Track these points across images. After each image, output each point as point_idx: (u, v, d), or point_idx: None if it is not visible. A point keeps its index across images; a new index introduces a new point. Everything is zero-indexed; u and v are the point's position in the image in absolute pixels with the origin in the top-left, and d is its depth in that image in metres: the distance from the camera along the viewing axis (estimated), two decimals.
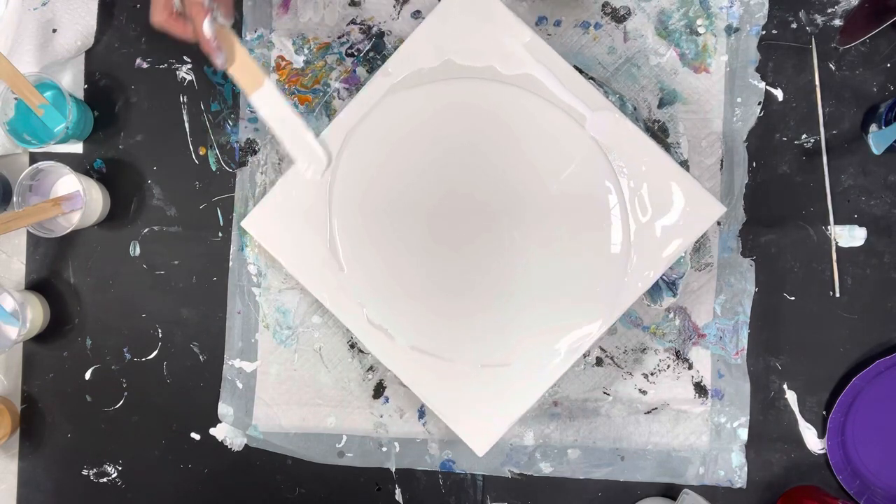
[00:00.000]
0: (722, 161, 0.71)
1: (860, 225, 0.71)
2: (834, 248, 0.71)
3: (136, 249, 0.76)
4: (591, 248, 0.67)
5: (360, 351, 0.74)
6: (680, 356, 0.72)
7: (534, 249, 0.67)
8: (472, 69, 0.68)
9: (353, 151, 0.69)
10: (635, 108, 0.71)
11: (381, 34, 0.74)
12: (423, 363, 0.68)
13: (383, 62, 0.70)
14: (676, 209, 0.66)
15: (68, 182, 0.74)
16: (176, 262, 0.76)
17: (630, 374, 0.72)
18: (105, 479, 0.76)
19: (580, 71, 0.70)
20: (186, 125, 0.75)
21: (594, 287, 0.66)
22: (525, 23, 0.67)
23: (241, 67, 0.65)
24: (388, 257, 0.69)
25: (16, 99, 0.73)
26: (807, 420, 0.71)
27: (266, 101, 0.66)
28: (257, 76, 0.65)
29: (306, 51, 0.74)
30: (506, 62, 0.67)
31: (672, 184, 0.66)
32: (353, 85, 0.74)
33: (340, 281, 0.69)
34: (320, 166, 0.68)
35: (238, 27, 0.75)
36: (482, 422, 0.67)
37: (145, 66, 0.76)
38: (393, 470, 0.74)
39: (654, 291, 0.71)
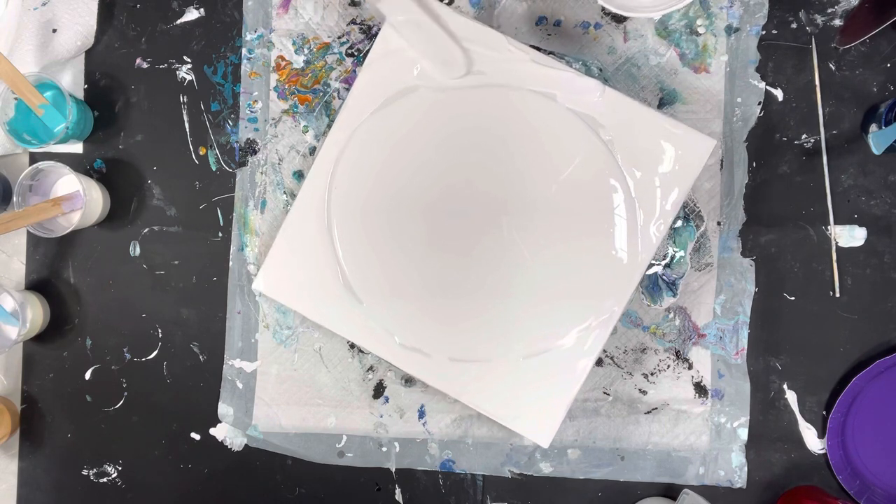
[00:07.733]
0: (722, 161, 0.71)
1: (860, 225, 0.71)
2: (834, 248, 0.71)
3: (136, 249, 0.76)
4: (601, 230, 0.67)
5: (360, 351, 0.74)
6: (680, 356, 0.72)
7: (547, 239, 0.67)
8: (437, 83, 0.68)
9: (343, 177, 0.69)
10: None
11: None
12: (465, 372, 0.68)
13: None
14: (669, 156, 0.66)
15: (68, 182, 0.74)
16: (176, 262, 0.75)
17: (630, 374, 0.72)
18: (105, 479, 0.76)
19: (538, 49, 0.69)
20: (186, 125, 0.75)
21: (611, 259, 0.67)
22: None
23: None
24: (402, 278, 0.69)
25: (16, 99, 0.73)
26: (807, 420, 0.71)
27: (395, 7, 0.62)
28: None
29: (306, 51, 0.74)
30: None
31: (657, 130, 0.66)
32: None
33: (363, 314, 0.69)
34: (457, 69, 0.66)
35: (238, 27, 0.75)
36: (538, 413, 0.67)
37: (145, 66, 0.76)
38: (393, 470, 0.74)
39: (654, 291, 0.71)
